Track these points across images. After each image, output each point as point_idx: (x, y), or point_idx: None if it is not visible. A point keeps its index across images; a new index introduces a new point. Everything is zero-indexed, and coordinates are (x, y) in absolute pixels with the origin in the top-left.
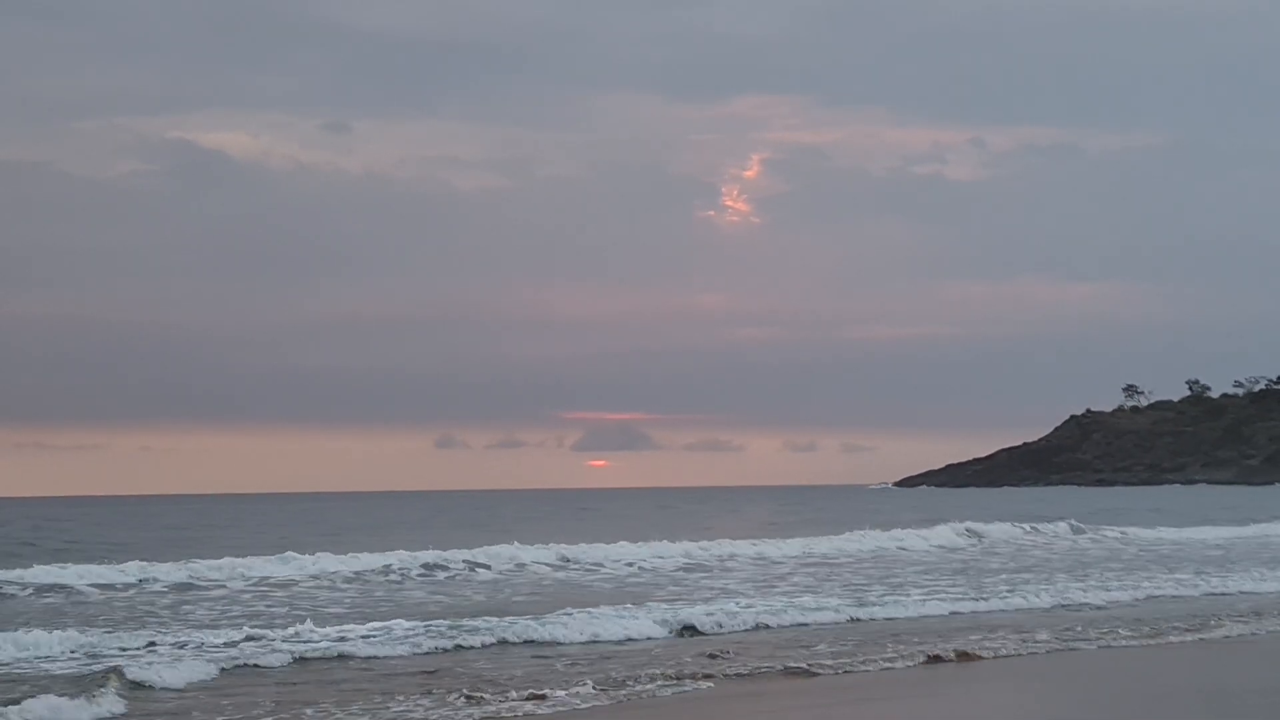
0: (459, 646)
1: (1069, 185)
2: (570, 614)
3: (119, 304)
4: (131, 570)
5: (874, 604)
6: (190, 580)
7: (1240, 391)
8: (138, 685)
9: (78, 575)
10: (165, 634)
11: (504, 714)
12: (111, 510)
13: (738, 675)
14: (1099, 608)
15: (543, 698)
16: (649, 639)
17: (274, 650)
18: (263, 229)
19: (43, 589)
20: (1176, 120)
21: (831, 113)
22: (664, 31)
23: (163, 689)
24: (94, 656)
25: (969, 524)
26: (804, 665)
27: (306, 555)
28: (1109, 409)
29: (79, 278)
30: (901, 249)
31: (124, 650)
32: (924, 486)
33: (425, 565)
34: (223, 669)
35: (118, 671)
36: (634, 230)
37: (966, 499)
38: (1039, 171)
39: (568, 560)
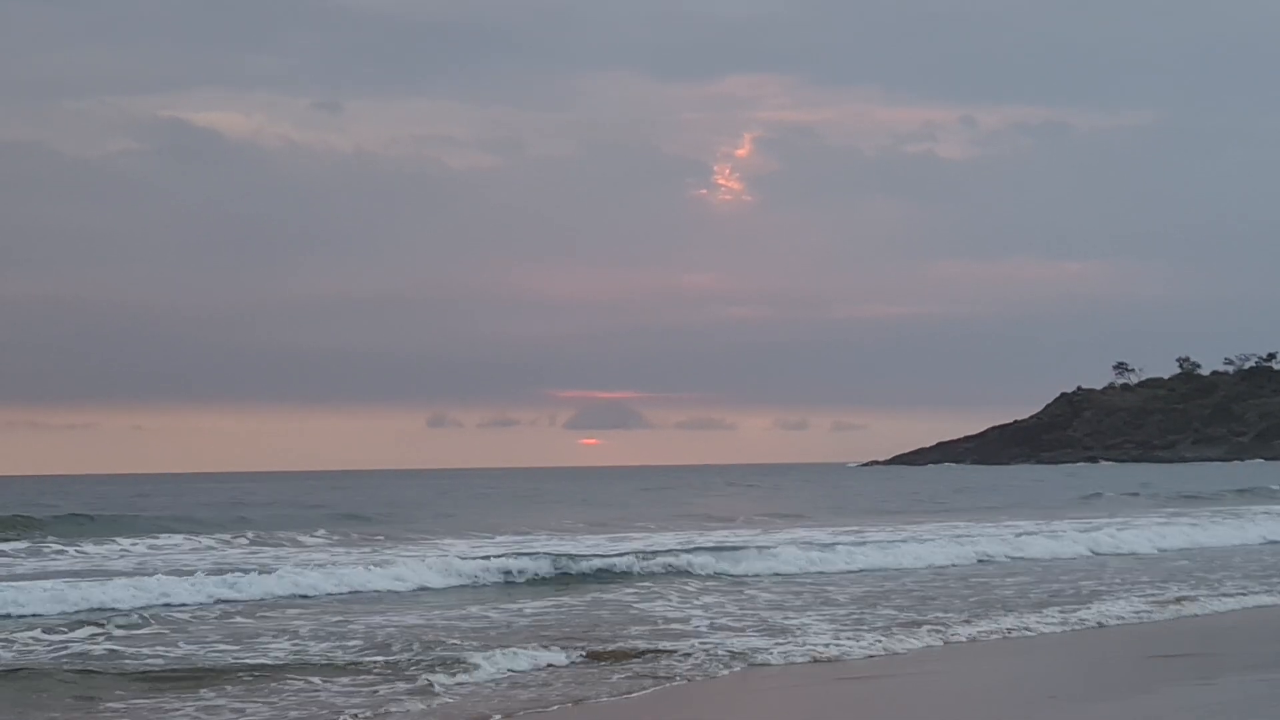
0: None
1: (1059, 164)
2: None
3: (110, 283)
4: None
5: None
6: None
7: (1230, 369)
8: None
9: None
10: None
11: None
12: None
13: None
14: None
15: None
16: None
17: None
18: (254, 208)
19: None
20: (1166, 99)
21: (823, 92)
22: (655, 11)
23: None
24: None
25: None
26: None
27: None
28: (1099, 386)
29: (70, 257)
30: (893, 227)
31: None
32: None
33: None
34: None
35: None
36: (626, 209)
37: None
38: (1029, 150)
39: None
